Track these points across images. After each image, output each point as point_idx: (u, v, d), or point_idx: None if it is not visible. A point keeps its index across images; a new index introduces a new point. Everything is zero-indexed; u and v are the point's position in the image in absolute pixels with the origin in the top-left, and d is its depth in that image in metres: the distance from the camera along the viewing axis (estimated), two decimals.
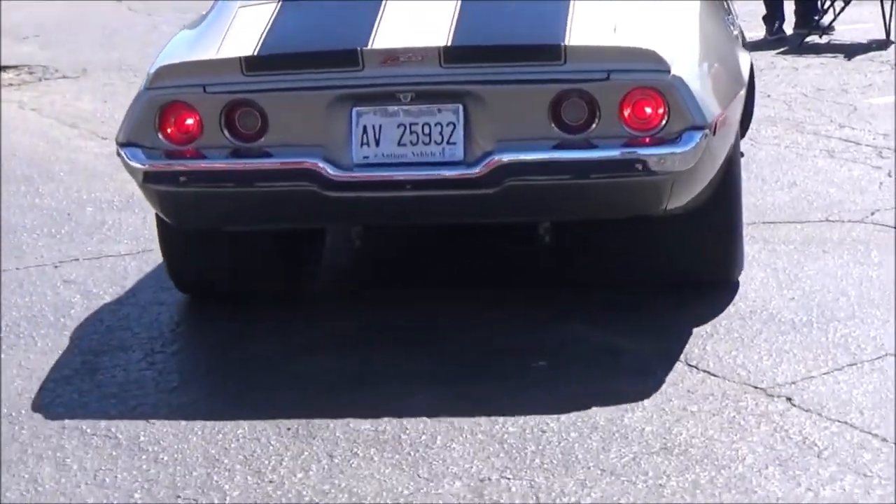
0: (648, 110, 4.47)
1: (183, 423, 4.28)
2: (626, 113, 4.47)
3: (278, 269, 5.24)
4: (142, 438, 4.19)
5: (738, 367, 4.55)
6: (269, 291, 5.28)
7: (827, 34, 10.36)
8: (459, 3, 4.73)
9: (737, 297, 5.05)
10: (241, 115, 4.62)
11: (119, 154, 4.72)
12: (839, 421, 4.11)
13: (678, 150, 4.42)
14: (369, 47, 4.50)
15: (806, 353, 4.65)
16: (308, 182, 4.50)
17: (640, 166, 4.43)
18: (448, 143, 4.50)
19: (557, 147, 4.51)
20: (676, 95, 4.43)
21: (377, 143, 4.52)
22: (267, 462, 4.01)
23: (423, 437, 4.11)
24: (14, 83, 9.92)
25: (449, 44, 4.48)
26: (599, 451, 3.98)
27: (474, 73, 4.52)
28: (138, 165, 4.65)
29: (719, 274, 5.11)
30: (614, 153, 4.47)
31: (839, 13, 10.49)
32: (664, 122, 4.45)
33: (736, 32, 6.06)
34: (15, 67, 10.31)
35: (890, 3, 10.18)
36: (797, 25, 10.51)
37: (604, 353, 4.71)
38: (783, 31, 10.47)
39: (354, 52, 4.48)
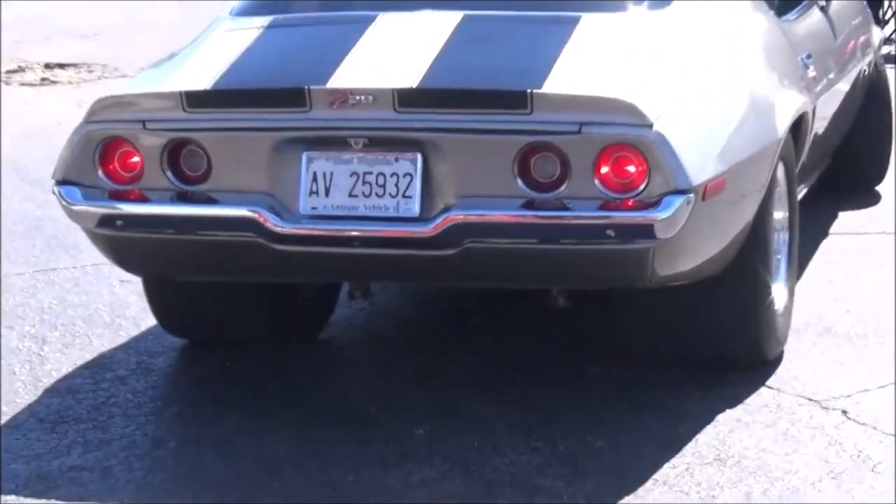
0: (628, 170, 3.97)
1: None
2: (602, 172, 3.96)
3: (266, 319, 4.94)
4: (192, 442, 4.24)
5: (792, 378, 4.53)
6: (258, 341, 4.98)
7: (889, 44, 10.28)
8: (450, 35, 4.37)
9: (792, 309, 4.96)
10: (186, 155, 4.24)
11: (54, 192, 4.35)
12: (894, 435, 4.09)
13: (655, 216, 3.90)
14: (323, 86, 4.09)
15: (861, 366, 4.63)
16: (252, 233, 4.12)
17: (611, 232, 3.95)
18: (404, 196, 4.06)
19: (524, 206, 4.03)
20: (657, 154, 3.90)
21: (327, 192, 4.11)
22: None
23: (476, 443, 4.12)
24: (73, 81, 10.02)
25: (410, 85, 4.05)
26: (653, 462, 3.98)
27: (433, 120, 4.05)
28: (74, 206, 4.30)
29: (747, 350, 4.55)
30: (585, 217, 3.99)
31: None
32: (644, 183, 3.94)
33: (812, 73, 5.39)
34: (74, 65, 10.41)
35: None
36: None
37: (655, 362, 4.67)
38: None
39: (301, 92, 4.04)
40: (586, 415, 4.29)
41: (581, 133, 3.94)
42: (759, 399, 4.39)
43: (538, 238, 4.05)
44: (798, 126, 4.98)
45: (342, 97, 4.05)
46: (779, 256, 4.83)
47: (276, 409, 4.44)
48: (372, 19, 4.51)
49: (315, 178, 4.11)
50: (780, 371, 4.61)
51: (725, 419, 4.25)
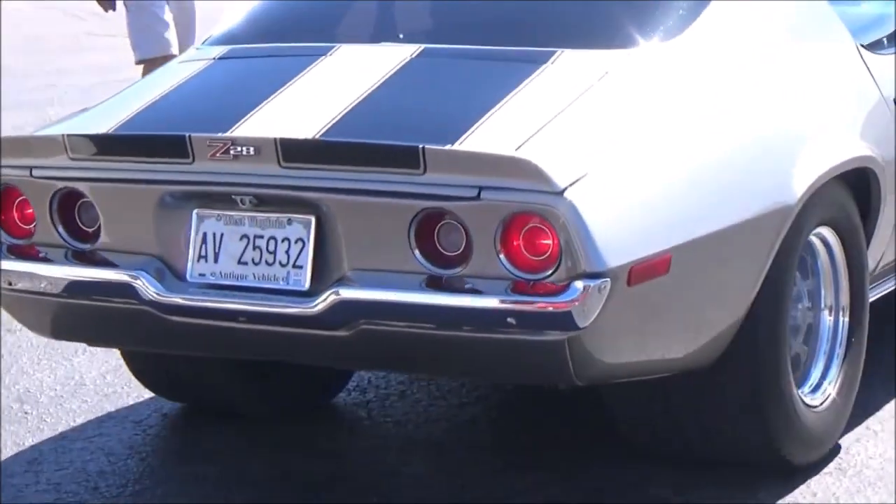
0: (540, 245, 3.42)
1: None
2: (507, 246, 3.42)
3: (258, 387, 4.61)
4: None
5: None
6: (238, 412, 4.64)
7: None
8: (392, 74, 3.97)
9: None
10: (80, 208, 3.91)
11: None
12: None
13: (558, 302, 3.34)
14: (215, 133, 3.68)
15: None
16: (135, 301, 3.77)
17: (512, 320, 3.41)
18: (294, 265, 3.64)
19: (423, 285, 3.53)
20: (564, 228, 3.32)
21: (216, 258, 3.72)
22: None
23: None
24: None
25: (302, 136, 3.63)
26: None
27: (322, 178, 3.59)
28: None
29: (762, 453, 4.03)
30: (484, 301, 3.46)
31: None
32: (557, 263, 3.37)
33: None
34: None
35: None
36: None
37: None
38: None
39: (182, 140, 3.62)
40: None
41: (480, 199, 3.39)
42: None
43: (436, 323, 3.55)
44: (867, 181, 4.34)
45: (223, 148, 3.59)
46: (822, 343, 4.26)
47: None
48: (326, 51, 4.14)
49: (205, 240, 3.73)
50: None
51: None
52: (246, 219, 3.66)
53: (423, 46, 4.07)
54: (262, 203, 3.63)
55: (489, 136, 3.52)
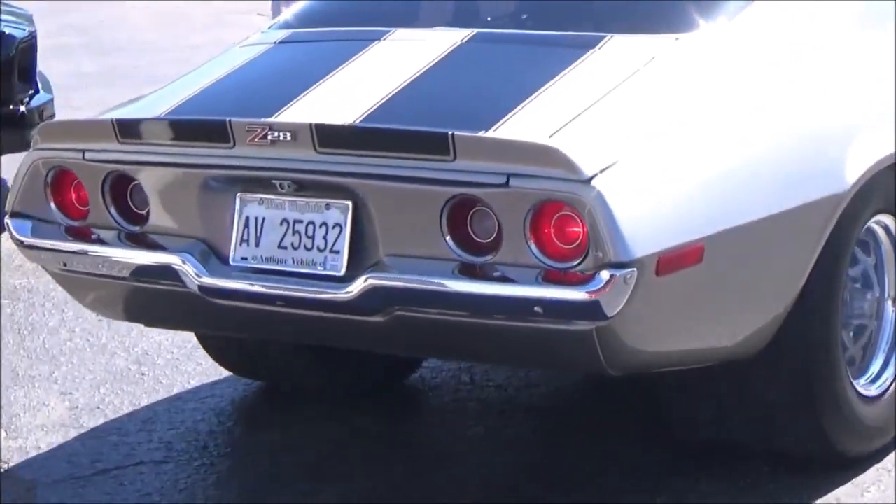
0: (569, 234, 3.46)
1: None
2: (537, 234, 3.47)
3: (316, 367, 4.71)
4: None
5: None
6: (309, 390, 4.78)
7: None
8: (442, 59, 4.05)
9: None
10: (132, 191, 4.05)
11: (6, 225, 4.22)
12: None
13: (585, 293, 3.37)
14: (249, 119, 3.78)
15: None
16: (181, 284, 3.90)
17: (539, 310, 3.45)
18: (332, 250, 3.72)
19: (456, 272, 3.59)
20: (591, 217, 3.36)
21: (258, 242, 3.83)
22: None
23: None
24: None
25: (339, 122, 3.74)
26: None
27: (357, 164, 3.68)
28: (20, 238, 4.18)
29: (813, 444, 4.06)
30: (515, 290, 3.52)
31: None
32: (585, 252, 3.41)
33: None
34: None
35: None
36: None
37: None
38: None
39: (223, 125, 3.73)
40: None
41: (509, 186, 3.44)
42: None
43: (468, 311, 3.61)
44: None
45: (261, 133, 3.70)
46: (884, 333, 4.27)
47: None
48: (381, 36, 4.25)
49: (247, 224, 3.84)
50: None
51: None
52: (286, 203, 3.75)
53: (475, 31, 4.16)
54: (301, 188, 3.71)
55: (525, 122, 3.58)
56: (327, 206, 3.68)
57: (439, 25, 4.36)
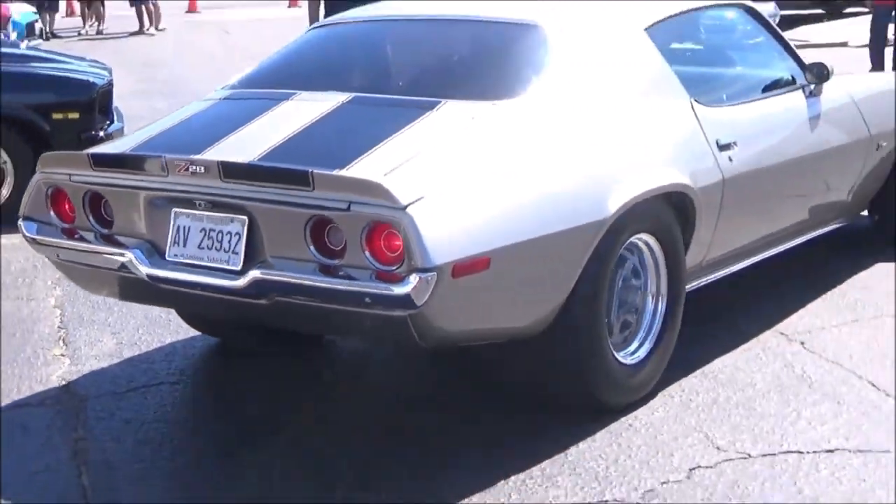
0: (393, 245, 4.22)
1: None
2: (371, 245, 4.25)
3: (254, 334, 5.68)
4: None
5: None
6: (252, 350, 5.80)
7: None
8: (322, 117, 4.91)
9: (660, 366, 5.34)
10: (104, 204, 4.89)
11: (18, 226, 5.13)
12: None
13: (398, 289, 4.16)
14: (185, 156, 4.62)
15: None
16: (133, 273, 4.74)
17: (369, 300, 4.25)
18: (233, 252, 4.54)
19: (316, 271, 4.38)
20: (406, 234, 4.12)
21: (185, 244, 4.66)
22: None
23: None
24: None
25: (237, 160, 4.52)
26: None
27: (250, 191, 4.46)
28: (28, 235, 5.09)
29: (582, 397, 4.92)
30: (351, 284, 4.29)
31: None
32: (403, 259, 4.17)
33: (729, 157, 5.50)
34: None
35: None
36: None
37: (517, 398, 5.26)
38: None
39: (160, 160, 4.62)
40: None
41: (350, 211, 4.21)
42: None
43: (323, 299, 4.37)
44: (685, 203, 5.23)
45: (184, 167, 4.56)
46: (644, 319, 5.17)
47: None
48: (289, 96, 5.17)
49: (178, 231, 4.67)
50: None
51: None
52: (204, 217, 4.62)
53: (353, 95, 5.10)
54: (213, 206, 4.57)
55: (369, 164, 4.40)
56: (231, 220, 4.54)
57: (330, 89, 5.19)
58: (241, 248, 4.52)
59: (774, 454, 4.67)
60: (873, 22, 13.67)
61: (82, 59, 10.64)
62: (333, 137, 4.83)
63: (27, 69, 9.45)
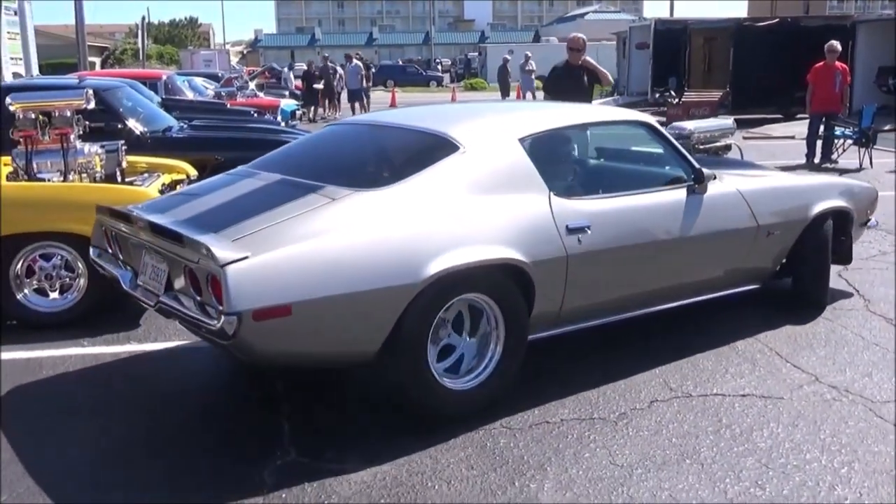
0: (219, 291, 5.12)
1: None
2: (210, 289, 5.23)
3: None
4: None
5: None
6: None
7: (834, 163, 18.45)
8: (244, 193, 6.13)
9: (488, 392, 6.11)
10: (119, 242, 6.43)
11: (90, 251, 6.80)
12: None
13: (210, 324, 5.17)
14: (140, 214, 6.06)
15: None
16: (121, 287, 6.21)
17: (205, 328, 5.24)
18: (160, 283, 5.80)
19: (190, 301, 5.47)
20: (221, 285, 5.04)
21: (145, 274, 6.01)
22: None
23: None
24: None
25: (163, 224, 5.72)
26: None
27: (164, 245, 5.67)
28: (94, 259, 6.70)
29: (417, 408, 5.75)
30: (200, 315, 5.30)
31: (841, 153, 18.79)
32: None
33: (580, 240, 6.15)
34: None
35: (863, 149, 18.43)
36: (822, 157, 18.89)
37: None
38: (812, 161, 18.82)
39: (134, 215, 6.06)
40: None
41: (198, 264, 5.27)
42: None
43: (188, 321, 5.47)
44: (523, 273, 5.88)
45: (140, 225, 5.97)
46: (486, 359, 5.95)
47: None
48: (252, 175, 6.52)
49: (144, 265, 6.03)
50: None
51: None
52: (154, 258, 5.92)
53: (281, 177, 6.31)
54: (155, 252, 5.89)
55: (234, 230, 5.41)
56: (162, 261, 5.84)
57: (278, 172, 6.44)
58: (164, 281, 5.84)
59: (706, 395, 6.28)
60: (809, 124, 19.34)
61: (308, 132, 12.04)
62: (237, 207, 5.98)
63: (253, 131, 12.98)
